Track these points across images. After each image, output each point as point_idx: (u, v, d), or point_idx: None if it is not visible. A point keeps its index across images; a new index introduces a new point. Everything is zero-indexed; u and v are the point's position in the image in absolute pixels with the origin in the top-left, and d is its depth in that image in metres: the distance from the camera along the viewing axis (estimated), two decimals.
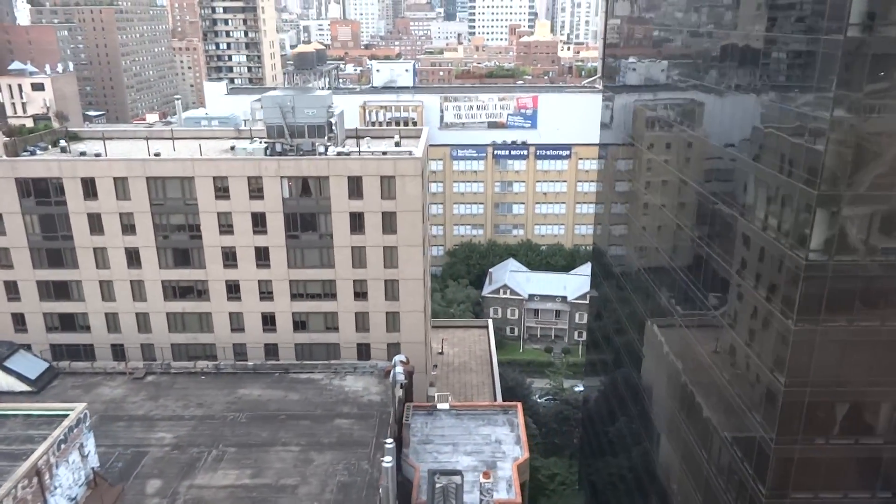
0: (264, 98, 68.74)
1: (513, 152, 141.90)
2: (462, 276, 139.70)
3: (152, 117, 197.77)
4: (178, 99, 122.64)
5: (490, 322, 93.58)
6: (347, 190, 63.39)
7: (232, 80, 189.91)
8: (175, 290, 67.12)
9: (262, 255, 65.58)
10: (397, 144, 71.96)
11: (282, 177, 63.21)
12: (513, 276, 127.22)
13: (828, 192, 31.13)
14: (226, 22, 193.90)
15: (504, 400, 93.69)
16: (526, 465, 48.12)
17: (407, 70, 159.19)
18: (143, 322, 67.76)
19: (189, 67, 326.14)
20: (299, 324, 67.97)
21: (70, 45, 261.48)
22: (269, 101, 67.86)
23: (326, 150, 66.55)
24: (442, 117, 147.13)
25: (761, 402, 36.94)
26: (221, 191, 63.69)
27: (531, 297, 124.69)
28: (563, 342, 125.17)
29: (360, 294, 66.82)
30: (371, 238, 64.76)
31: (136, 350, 68.24)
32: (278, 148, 67.88)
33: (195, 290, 67.18)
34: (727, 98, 42.71)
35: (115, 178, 63.09)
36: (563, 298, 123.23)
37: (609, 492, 74.87)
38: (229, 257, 65.70)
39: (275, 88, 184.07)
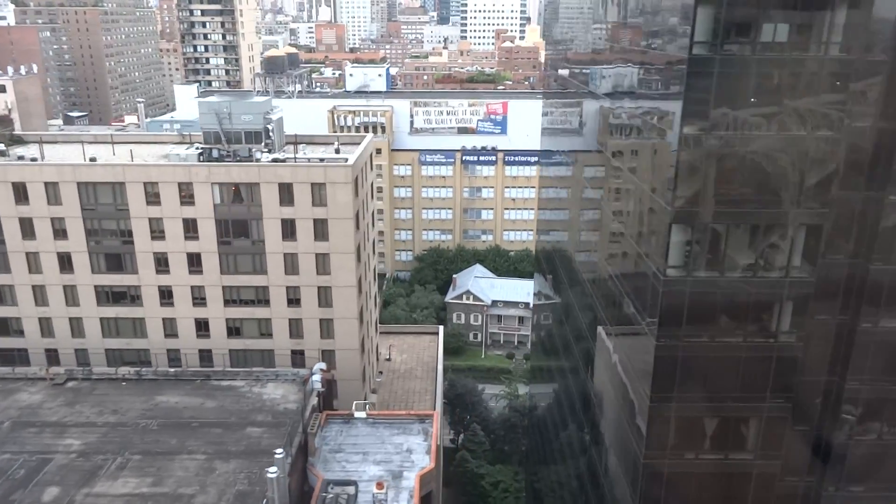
0: (200, 104, 68.84)
1: (481, 158, 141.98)
2: (430, 281, 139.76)
3: (131, 118, 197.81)
4: (140, 102, 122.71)
5: (441, 329, 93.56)
6: (279, 197, 63.39)
7: (210, 83, 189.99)
8: (108, 295, 67.07)
9: (195, 261, 65.52)
10: (337, 151, 71.93)
11: (212, 183, 63.19)
12: (476, 282, 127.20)
13: (682, 208, 31.17)
14: (203, 25, 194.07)
15: (452, 407, 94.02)
16: (431, 475, 48.07)
17: (380, 74, 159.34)
18: (76, 327, 67.65)
19: (177, 69, 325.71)
20: (233, 330, 67.92)
21: (54, 45, 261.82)
22: (205, 108, 67.89)
23: (263, 155, 66.58)
24: (412, 122, 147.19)
25: (632, 416, 37.03)
26: (152, 196, 63.66)
27: (494, 303, 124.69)
28: (525, 348, 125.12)
29: (294, 300, 66.77)
30: (303, 245, 64.74)
31: (70, 355, 68.12)
32: (215, 154, 67.97)
33: (128, 295, 67.11)
34: (607, 109, 43.27)
35: (46, 183, 63.05)
36: (526, 305, 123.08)
37: (550, 499, 74.83)
38: (162, 263, 65.65)
39: (250, 91, 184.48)
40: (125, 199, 63.72)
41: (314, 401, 52.98)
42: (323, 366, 56.52)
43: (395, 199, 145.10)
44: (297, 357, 68.53)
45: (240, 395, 56.19)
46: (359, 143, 73.43)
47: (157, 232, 64.73)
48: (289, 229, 64.43)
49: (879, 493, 38.12)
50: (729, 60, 29.12)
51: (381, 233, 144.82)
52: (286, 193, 63.35)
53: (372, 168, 78.33)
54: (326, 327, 67.68)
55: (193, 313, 67.23)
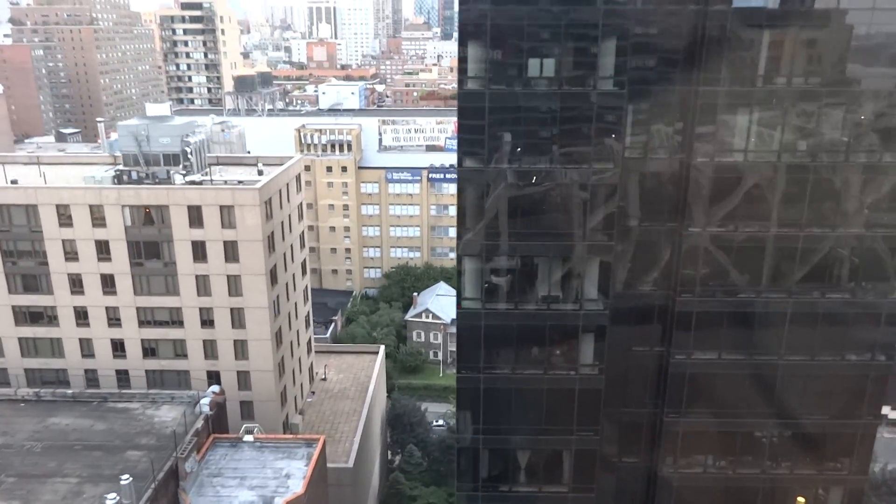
0: (120, 127, 69.72)
1: (447, 176, 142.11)
2: (396, 298, 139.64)
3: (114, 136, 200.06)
4: (99, 122, 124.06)
5: (381, 348, 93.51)
6: (188, 219, 63.92)
7: (192, 101, 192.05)
8: (26, 316, 67.74)
9: (108, 282, 66.11)
10: (260, 173, 72.50)
11: (123, 205, 63.85)
12: (437, 300, 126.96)
13: (472, 240, 31.16)
14: (185, 44, 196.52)
15: (391, 428, 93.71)
16: (300, 500, 47.89)
17: (353, 93, 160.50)
18: None
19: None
20: (149, 350, 68.33)
21: (49, 63, 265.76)
22: (123, 130, 68.81)
23: (178, 177, 67.24)
24: (380, 140, 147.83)
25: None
26: (65, 218, 64.41)
27: (454, 320, 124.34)
28: None
29: (207, 322, 67.10)
30: (214, 266, 65.14)
31: None
32: (134, 175, 68.83)
33: (45, 316, 67.76)
34: None
35: None
36: None
37: None
38: (76, 283, 66.31)
39: (230, 109, 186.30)
40: (39, 222, 64.53)
41: (199, 424, 53.07)
42: (216, 388, 56.69)
43: (363, 217, 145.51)
44: (214, 377, 68.85)
45: (132, 417, 56.42)
46: (280, 165, 73.92)
47: (71, 253, 65.42)
48: (199, 251, 64.88)
49: None
50: (500, 95, 29.22)
51: (348, 250, 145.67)
52: (196, 216, 63.88)
53: (300, 189, 78.72)
54: (241, 348, 67.94)
55: (109, 334, 67.75)
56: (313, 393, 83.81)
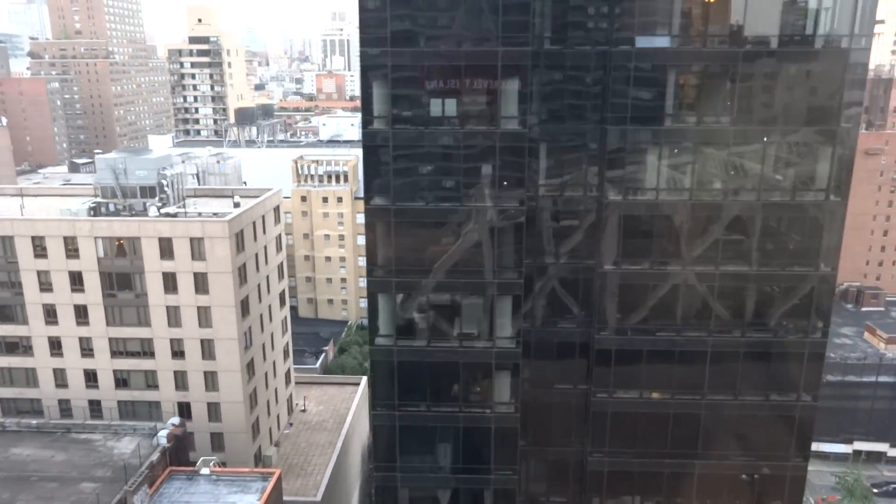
0: (98, 160, 71.10)
1: None
2: None
3: None
4: (98, 153, 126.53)
5: (364, 379, 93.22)
6: (159, 250, 64.73)
7: (199, 132, 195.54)
8: (2, 345, 68.61)
9: (82, 313, 66.92)
10: (237, 205, 73.33)
11: (96, 237, 64.83)
12: None
13: (383, 278, 31.30)
14: (192, 76, 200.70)
15: (370, 460, 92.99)
16: None
17: (353, 124, 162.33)
18: None
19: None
20: (121, 381, 68.80)
21: (65, 94, 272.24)
22: (101, 163, 70.12)
23: (152, 209, 68.23)
24: None
25: None
26: (40, 249, 65.53)
27: None
28: None
29: (178, 353, 67.53)
30: (185, 298, 65.70)
31: None
32: (112, 207, 69.96)
33: (20, 346, 68.59)
34: None
35: None
36: None
37: None
38: (51, 314, 67.19)
39: (231, 140, 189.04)
40: (14, 253, 65.65)
41: (154, 457, 53.12)
42: (175, 420, 56.81)
43: (358, 247, 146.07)
44: (185, 409, 69.07)
45: (92, 448, 56.59)
46: (258, 197, 74.76)
47: (46, 284, 66.40)
48: (170, 283, 65.53)
49: None
50: (404, 135, 29.56)
51: (343, 280, 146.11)
52: (166, 247, 64.69)
53: (278, 220, 79.40)
54: (211, 380, 68.17)
55: (82, 364, 68.37)
56: (291, 424, 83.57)
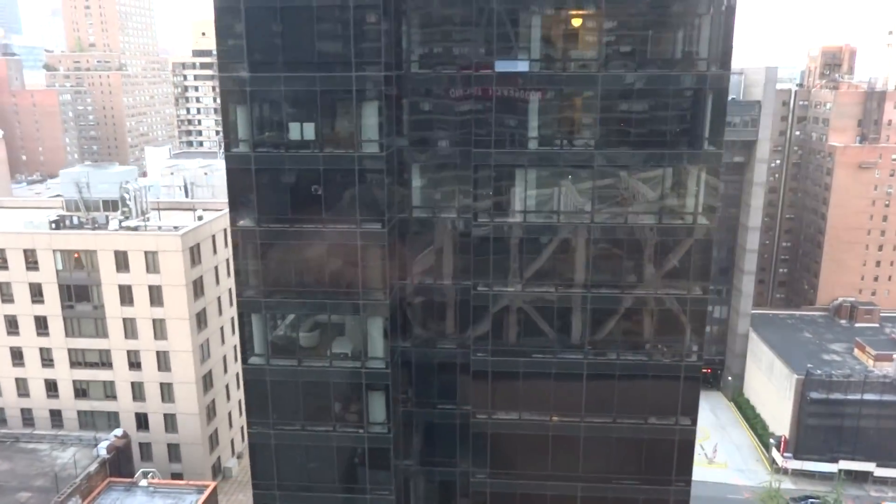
0: (62, 174, 72.71)
1: None
2: None
3: None
4: (87, 165, 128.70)
5: None
6: (115, 263, 65.80)
7: (201, 143, 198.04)
8: None
9: (42, 324, 68.23)
10: (200, 218, 74.30)
11: (54, 250, 66.13)
12: None
13: (251, 298, 31.64)
14: (196, 89, 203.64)
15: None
16: None
17: None
18: None
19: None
20: (80, 391, 69.91)
21: (78, 106, 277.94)
22: (65, 177, 71.71)
23: (112, 223, 69.50)
24: None
25: None
26: (1, 261, 66.98)
27: None
28: None
29: (135, 364, 68.49)
30: (140, 310, 66.67)
31: None
32: (75, 220, 71.38)
33: None
34: None
35: None
36: None
37: None
38: (12, 324, 68.57)
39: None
40: None
41: (92, 467, 53.92)
42: (119, 432, 57.60)
43: None
44: (142, 419, 70.01)
45: (37, 458, 57.61)
46: (221, 210, 75.60)
47: (7, 295, 67.84)
48: (126, 295, 66.55)
49: None
50: (266, 157, 29.98)
51: None
52: (122, 260, 65.74)
53: None
54: (167, 391, 68.99)
55: (43, 374, 69.62)
56: None
